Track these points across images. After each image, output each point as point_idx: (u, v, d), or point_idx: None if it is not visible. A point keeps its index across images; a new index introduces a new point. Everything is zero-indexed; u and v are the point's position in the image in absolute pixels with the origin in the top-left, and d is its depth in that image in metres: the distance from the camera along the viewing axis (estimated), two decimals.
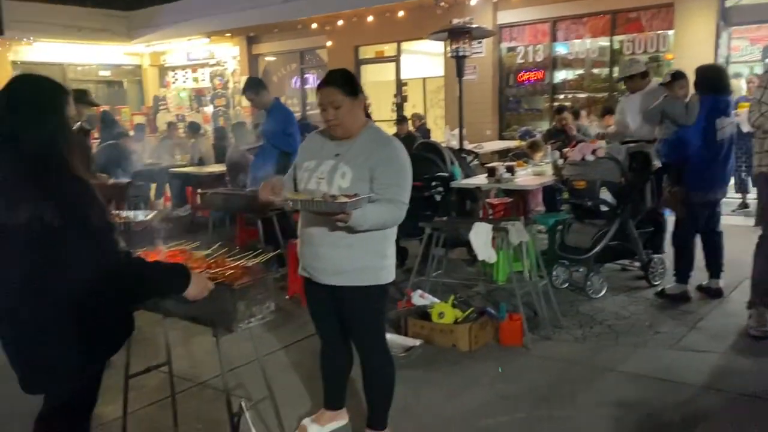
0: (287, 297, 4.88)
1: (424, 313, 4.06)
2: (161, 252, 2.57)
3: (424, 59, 12.27)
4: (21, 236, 1.79)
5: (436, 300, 4.22)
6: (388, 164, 2.37)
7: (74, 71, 15.17)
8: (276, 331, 4.23)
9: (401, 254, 5.58)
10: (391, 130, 9.06)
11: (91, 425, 2.12)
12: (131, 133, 10.15)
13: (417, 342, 3.92)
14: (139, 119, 14.41)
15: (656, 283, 4.89)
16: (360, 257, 2.43)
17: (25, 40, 13.46)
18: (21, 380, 1.99)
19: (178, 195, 8.76)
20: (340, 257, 2.43)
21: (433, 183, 5.50)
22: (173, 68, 16.41)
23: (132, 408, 3.02)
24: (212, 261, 2.54)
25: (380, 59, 12.81)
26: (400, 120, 9.25)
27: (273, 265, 5.52)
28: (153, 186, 8.86)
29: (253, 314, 2.41)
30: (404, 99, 12.66)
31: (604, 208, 4.77)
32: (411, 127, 9.54)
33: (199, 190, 6.75)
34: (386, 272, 2.50)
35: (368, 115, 2.61)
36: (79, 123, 4.31)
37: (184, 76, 16.27)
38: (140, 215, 3.02)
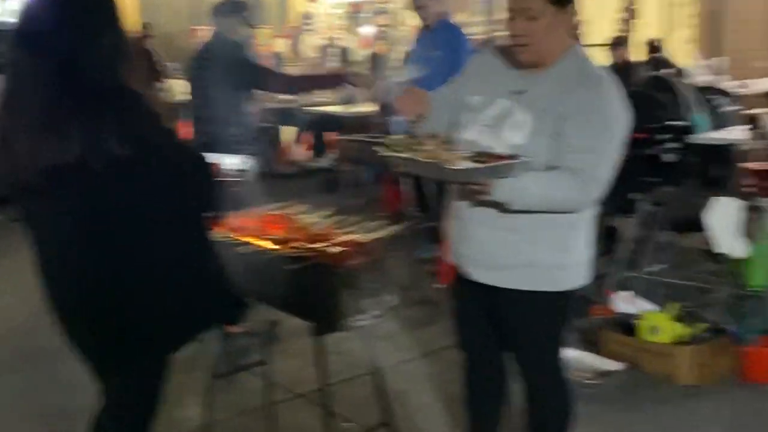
0: (438, 286, 4.92)
1: (629, 326, 4.03)
2: (253, 216, 2.68)
3: None
4: (95, 177, 1.97)
5: (650, 307, 4.15)
6: (586, 116, 2.24)
7: None
8: (416, 332, 4.32)
9: (607, 236, 5.45)
10: (604, 59, 8.67)
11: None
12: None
13: (615, 366, 3.89)
14: (281, 45, 15.00)
15: None
16: (529, 248, 2.35)
17: None
18: (100, 362, 2.21)
19: (318, 142, 9.17)
20: (499, 245, 2.37)
21: (662, 136, 5.15)
22: None
23: (218, 415, 3.19)
24: (316, 232, 2.59)
25: None
26: (617, 43, 8.87)
27: (426, 241, 5.67)
28: (283, 130, 9.30)
29: (363, 309, 2.45)
30: (632, 15, 11.87)
31: None
32: (632, 55, 9.12)
33: (336, 137, 7.00)
34: (571, 273, 2.43)
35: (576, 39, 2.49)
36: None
37: None
38: (236, 164, 2.92)
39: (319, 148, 9.16)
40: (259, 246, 2.57)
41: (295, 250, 2.48)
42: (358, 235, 2.59)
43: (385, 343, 3.87)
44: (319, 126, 9.01)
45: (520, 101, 2.32)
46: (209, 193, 2.23)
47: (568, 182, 2.24)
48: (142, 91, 2.06)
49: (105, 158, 1.95)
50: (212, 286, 2.23)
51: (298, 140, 9.68)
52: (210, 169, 2.24)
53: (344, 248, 2.47)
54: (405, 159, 2.21)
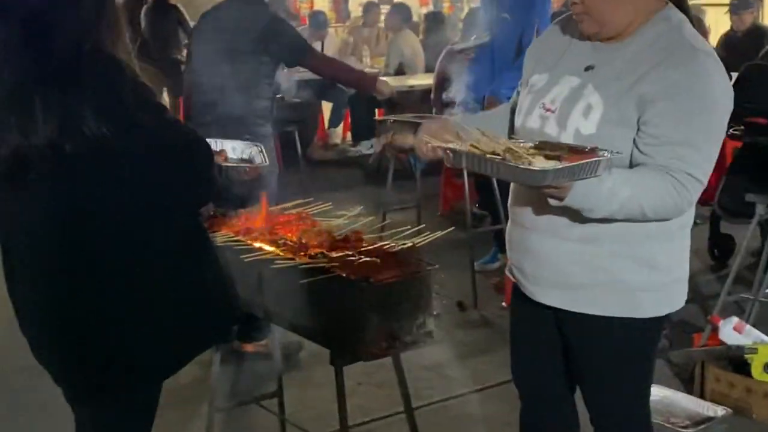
0: (503, 306, 4.84)
1: (738, 361, 3.88)
2: (264, 216, 2.65)
3: None
4: (69, 164, 1.93)
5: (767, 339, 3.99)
6: (675, 98, 2.17)
7: None
8: (470, 361, 4.20)
9: (719, 246, 5.49)
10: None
11: None
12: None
13: (718, 411, 3.73)
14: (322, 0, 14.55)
15: None
16: (608, 264, 2.30)
17: None
18: (73, 390, 2.16)
19: (362, 122, 8.69)
20: (570, 260, 2.32)
21: None
22: None
23: None
24: (342, 237, 2.55)
25: None
26: (740, 4, 8.03)
27: (495, 248, 5.54)
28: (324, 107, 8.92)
29: (395, 335, 2.37)
30: None
31: None
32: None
33: (379, 117, 6.87)
34: (661, 296, 2.37)
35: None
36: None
37: None
38: (247, 150, 2.74)
39: (361, 129, 8.65)
40: (270, 253, 2.52)
41: (313, 260, 2.41)
42: (396, 242, 2.53)
43: (431, 374, 3.77)
44: (362, 102, 8.39)
45: (592, 80, 2.28)
46: (209, 187, 2.18)
47: (661, 183, 2.16)
48: (126, 60, 2.00)
49: (80, 140, 1.91)
50: (210, 299, 2.18)
51: (336, 119, 9.20)
52: (211, 157, 2.18)
53: (376, 258, 2.39)
54: (459, 151, 2.12)
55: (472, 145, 2.08)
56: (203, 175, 2.12)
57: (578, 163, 2.01)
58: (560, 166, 2.00)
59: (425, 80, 7.89)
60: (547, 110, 2.32)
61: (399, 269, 2.39)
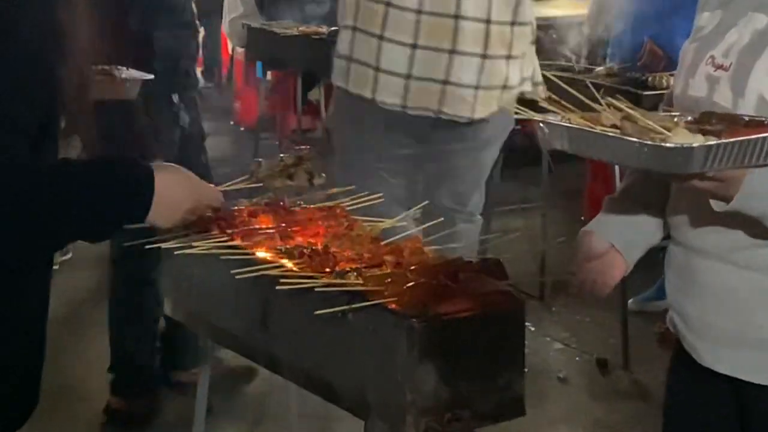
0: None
1: None
2: (281, 212, 2.41)
3: None
4: None
5: None
6: None
7: None
8: None
9: None
10: None
11: None
12: None
13: None
14: None
15: None
16: None
17: None
18: None
19: None
20: (755, 300, 2.15)
21: None
22: None
23: None
24: (393, 248, 2.28)
25: None
26: None
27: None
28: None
29: (465, 402, 2.08)
30: None
31: None
32: None
33: None
34: None
35: None
36: None
37: None
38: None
39: None
40: (279, 267, 2.18)
41: (343, 280, 2.08)
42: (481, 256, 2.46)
43: None
44: None
45: None
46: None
47: None
48: None
49: None
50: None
51: None
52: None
53: (441, 280, 2.07)
54: (554, 125, 2.00)
55: (583, 117, 1.95)
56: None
57: (747, 138, 1.81)
58: (714, 142, 1.77)
59: (571, 9, 6.77)
60: (718, 67, 2.10)
61: (473, 298, 2.00)
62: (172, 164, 2.05)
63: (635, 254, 2.34)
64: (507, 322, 2.08)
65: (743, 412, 2.19)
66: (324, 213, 2.36)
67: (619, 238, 2.32)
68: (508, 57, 3.75)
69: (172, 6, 3.79)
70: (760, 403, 2.14)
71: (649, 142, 1.81)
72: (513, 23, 3.74)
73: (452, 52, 3.58)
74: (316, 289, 2.03)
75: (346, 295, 2.03)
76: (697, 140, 1.79)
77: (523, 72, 3.72)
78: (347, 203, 2.45)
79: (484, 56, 3.51)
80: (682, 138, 1.79)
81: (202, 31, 4.73)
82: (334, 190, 2.52)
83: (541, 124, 1.97)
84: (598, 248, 2.31)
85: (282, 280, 2.10)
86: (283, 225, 2.30)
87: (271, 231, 2.27)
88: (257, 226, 2.28)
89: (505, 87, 3.68)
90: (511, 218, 4.98)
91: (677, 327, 2.23)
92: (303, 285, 2.06)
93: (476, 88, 3.63)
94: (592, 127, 1.90)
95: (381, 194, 2.52)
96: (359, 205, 2.46)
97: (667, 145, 1.79)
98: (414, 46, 3.63)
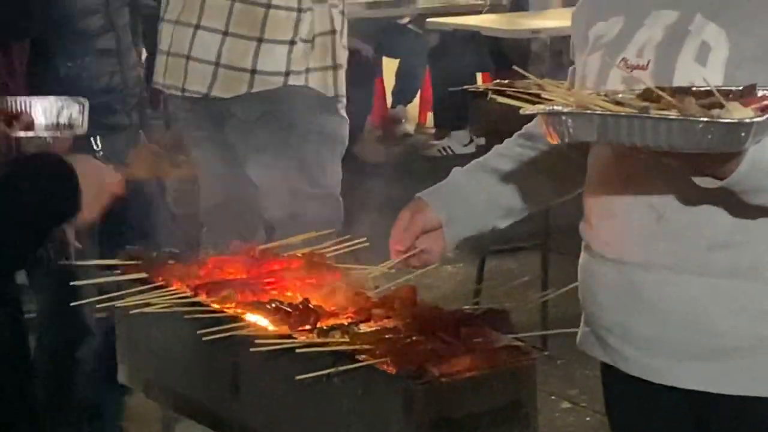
0: None
1: None
2: (252, 261, 2.31)
3: None
4: None
5: None
6: None
7: None
8: None
9: None
10: None
11: None
12: None
13: None
14: None
15: None
16: None
17: None
18: None
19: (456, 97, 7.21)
20: (717, 307, 2.13)
21: None
22: None
23: None
24: (381, 298, 2.24)
25: None
26: None
27: None
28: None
29: None
30: None
31: None
32: None
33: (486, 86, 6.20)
34: None
35: None
36: None
37: None
38: (66, 112, 2.73)
39: (453, 109, 6.83)
40: (252, 326, 2.06)
41: (327, 339, 2.00)
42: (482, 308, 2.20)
43: None
44: (460, 59, 6.59)
45: (699, 6, 2.16)
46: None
47: None
48: None
49: None
50: None
51: (407, 90, 7.54)
52: None
53: (440, 336, 2.01)
54: (576, 114, 1.85)
55: (580, 105, 1.85)
56: None
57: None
58: (764, 117, 1.74)
59: (558, 20, 6.34)
60: (634, 68, 2.12)
61: (477, 357, 1.88)
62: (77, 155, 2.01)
63: (458, 232, 2.30)
64: (517, 381, 1.95)
65: (700, 424, 2.15)
66: (301, 261, 2.20)
67: (445, 212, 2.27)
68: (259, 40, 3.74)
69: (86, 30, 3.47)
70: (720, 411, 2.12)
71: (721, 120, 1.72)
72: (267, 5, 3.75)
73: (198, 27, 3.68)
74: (296, 350, 1.91)
75: (331, 356, 1.91)
76: (749, 115, 1.75)
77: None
78: (327, 249, 2.30)
79: (225, 33, 3.59)
80: (741, 113, 1.73)
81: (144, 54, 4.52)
82: (314, 234, 2.36)
83: (563, 117, 1.81)
84: (433, 222, 2.25)
85: (256, 341, 1.96)
86: (255, 276, 2.14)
87: (242, 284, 2.08)
88: (225, 279, 2.11)
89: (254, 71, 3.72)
90: (509, 258, 4.94)
91: (612, 347, 2.17)
92: (281, 345, 1.93)
93: (216, 65, 3.72)
94: (635, 112, 1.80)
95: (365, 239, 2.39)
96: (341, 251, 2.30)
97: (745, 120, 1.72)
98: None
